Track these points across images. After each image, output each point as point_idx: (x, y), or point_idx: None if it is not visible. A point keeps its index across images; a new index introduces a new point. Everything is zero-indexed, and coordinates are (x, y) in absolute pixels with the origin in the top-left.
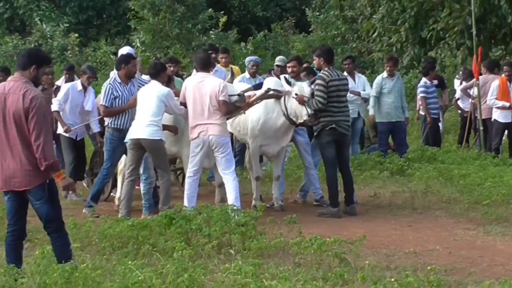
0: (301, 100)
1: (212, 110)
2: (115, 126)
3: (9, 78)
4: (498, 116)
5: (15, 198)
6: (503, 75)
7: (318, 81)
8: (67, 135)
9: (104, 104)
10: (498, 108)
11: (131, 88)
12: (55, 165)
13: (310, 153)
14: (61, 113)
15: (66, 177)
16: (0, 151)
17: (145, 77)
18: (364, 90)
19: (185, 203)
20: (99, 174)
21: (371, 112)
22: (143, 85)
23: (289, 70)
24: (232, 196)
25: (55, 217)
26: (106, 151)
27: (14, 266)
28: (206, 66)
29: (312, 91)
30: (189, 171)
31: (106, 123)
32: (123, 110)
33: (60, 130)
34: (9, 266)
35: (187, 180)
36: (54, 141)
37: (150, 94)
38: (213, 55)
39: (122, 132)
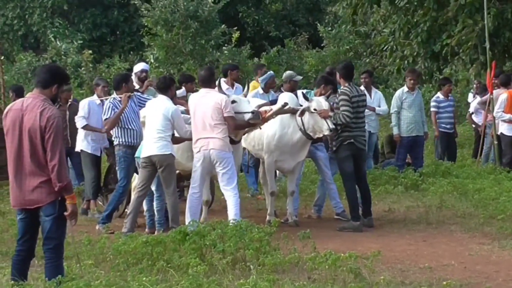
0: (326, 114)
1: (213, 124)
2: (127, 143)
3: (28, 95)
4: (504, 129)
5: (28, 217)
6: None
7: (342, 96)
8: (90, 151)
9: (105, 117)
10: (504, 121)
11: (131, 104)
12: (69, 186)
13: (329, 168)
14: (83, 133)
15: (76, 205)
16: (13, 169)
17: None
18: (379, 106)
19: (187, 219)
20: (115, 192)
21: (395, 131)
22: (143, 101)
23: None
24: (232, 211)
25: (56, 235)
26: (121, 169)
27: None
28: (208, 82)
29: (331, 106)
30: (191, 186)
31: (116, 142)
32: (119, 116)
33: (80, 147)
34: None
35: (189, 197)
36: (68, 158)
37: (157, 111)
38: (235, 72)
39: (134, 148)
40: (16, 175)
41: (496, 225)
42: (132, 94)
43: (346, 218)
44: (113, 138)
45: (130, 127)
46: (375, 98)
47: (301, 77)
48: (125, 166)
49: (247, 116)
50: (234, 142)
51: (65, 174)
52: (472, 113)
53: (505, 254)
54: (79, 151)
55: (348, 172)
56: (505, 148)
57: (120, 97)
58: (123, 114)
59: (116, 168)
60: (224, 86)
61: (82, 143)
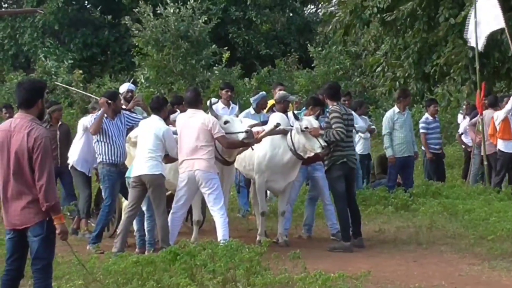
0: (317, 133)
1: (199, 145)
2: (110, 161)
3: (16, 115)
4: (501, 145)
5: (17, 237)
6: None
7: (334, 114)
8: (81, 170)
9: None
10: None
11: (117, 122)
12: (56, 206)
13: (328, 188)
14: (79, 150)
15: (64, 224)
16: (3, 189)
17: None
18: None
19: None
20: (101, 211)
21: (389, 153)
22: (131, 120)
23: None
24: (221, 232)
25: (45, 256)
26: (106, 188)
27: None
28: (194, 103)
29: (321, 126)
30: (174, 205)
31: (99, 159)
32: (101, 118)
33: (71, 163)
34: None
35: (171, 215)
36: (58, 177)
37: (148, 130)
38: (229, 93)
39: (117, 166)
40: (6, 196)
41: (486, 245)
42: (110, 101)
43: (340, 238)
44: (96, 155)
45: (114, 144)
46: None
47: (294, 98)
48: (109, 184)
49: (241, 136)
50: (228, 163)
51: (53, 194)
52: (462, 133)
53: (495, 274)
54: (70, 168)
55: (340, 192)
56: (500, 166)
57: (106, 116)
58: (108, 130)
59: (101, 187)
60: (220, 105)
61: (75, 161)
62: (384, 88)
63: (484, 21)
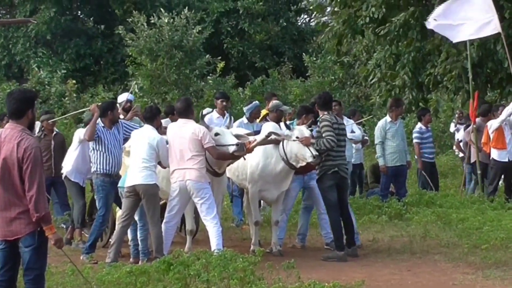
0: (308, 142)
1: (190, 155)
2: (104, 171)
3: (6, 125)
4: (494, 154)
5: (8, 248)
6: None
7: (324, 123)
8: (75, 181)
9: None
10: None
11: (114, 132)
12: (46, 217)
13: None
14: (73, 160)
15: (57, 233)
16: None
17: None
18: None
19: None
20: (95, 222)
21: (381, 162)
22: (128, 129)
23: None
24: (214, 242)
25: (37, 266)
26: (100, 198)
27: None
28: (185, 113)
29: (312, 134)
30: (167, 215)
31: (94, 169)
32: (94, 123)
33: (65, 173)
34: None
35: (164, 225)
36: (51, 187)
37: (142, 140)
38: (224, 103)
39: (111, 177)
40: None
41: (480, 254)
42: (99, 104)
43: (334, 248)
44: (91, 164)
45: (110, 154)
46: (347, 127)
47: (288, 107)
48: (103, 195)
49: (232, 149)
50: (218, 174)
51: (43, 204)
52: (461, 141)
53: (489, 283)
54: (64, 178)
55: (332, 201)
56: (493, 175)
57: (103, 126)
58: (105, 139)
59: (95, 197)
60: (215, 115)
61: (68, 171)
62: (381, 99)
63: (474, 21)
